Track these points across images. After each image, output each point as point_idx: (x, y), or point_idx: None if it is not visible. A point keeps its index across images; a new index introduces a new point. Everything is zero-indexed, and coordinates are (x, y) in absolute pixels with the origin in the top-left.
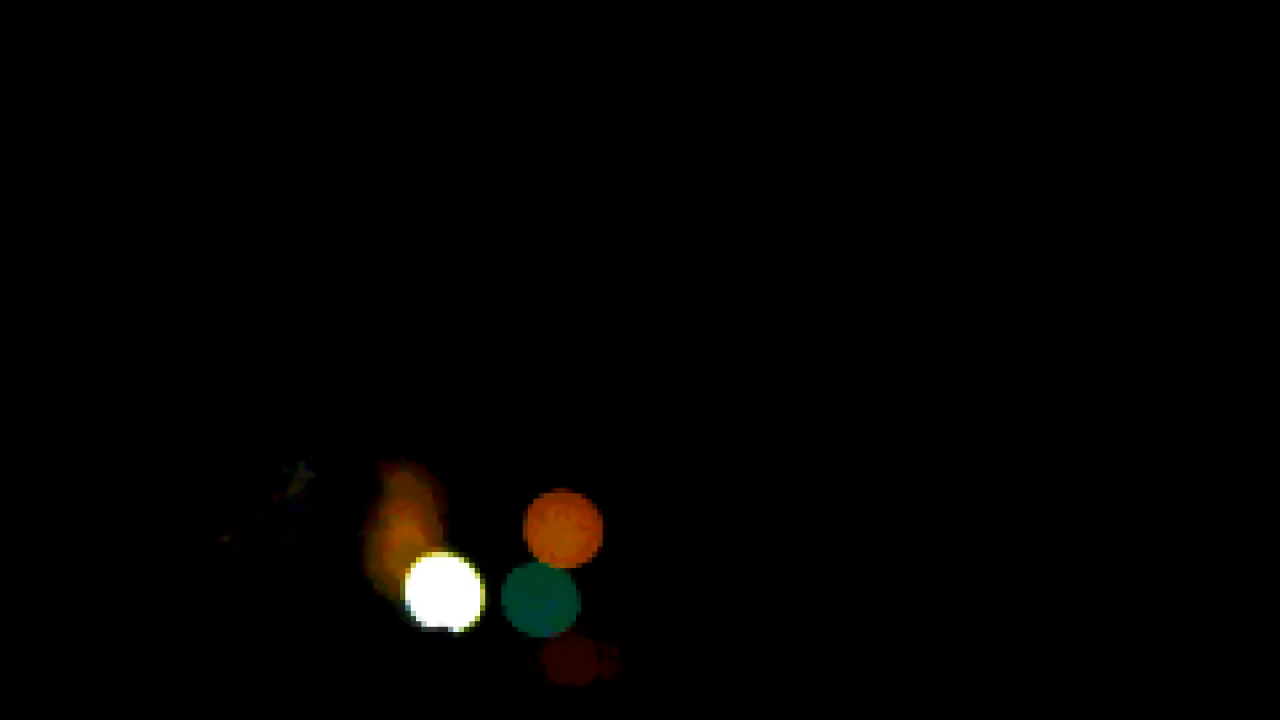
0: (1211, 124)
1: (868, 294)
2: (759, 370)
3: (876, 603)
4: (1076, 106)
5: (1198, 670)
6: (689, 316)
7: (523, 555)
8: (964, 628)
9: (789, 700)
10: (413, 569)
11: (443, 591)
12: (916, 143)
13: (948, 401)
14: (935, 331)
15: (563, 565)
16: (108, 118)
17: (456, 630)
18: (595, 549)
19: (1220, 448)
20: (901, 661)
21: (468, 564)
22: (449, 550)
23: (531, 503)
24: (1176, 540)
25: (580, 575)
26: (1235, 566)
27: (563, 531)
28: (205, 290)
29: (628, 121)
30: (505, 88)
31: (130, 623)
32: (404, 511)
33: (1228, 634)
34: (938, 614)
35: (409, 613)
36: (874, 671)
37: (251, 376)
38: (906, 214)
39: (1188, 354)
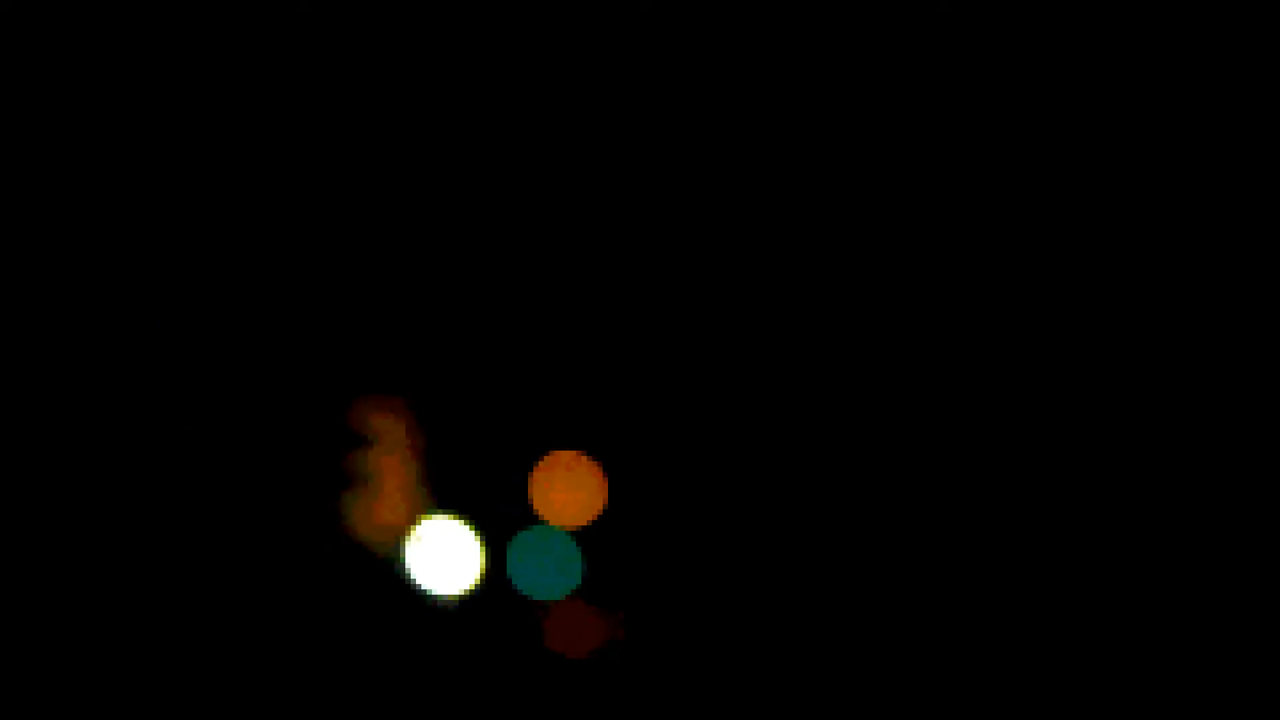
0: (1212, 124)
1: (869, 267)
2: (767, 331)
3: (887, 567)
4: (1077, 106)
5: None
6: (697, 276)
7: (525, 516)
8: (968, 613)
9: (793, 663)
10: (412, 531)
11: (443, 554)
12: (916, 143)
13: (950, 379)
14: (938, 309)
15: (567, 526)
16: (101, 116)
17: (457, 594)
18: (599, 510)
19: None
20: (906, 625)
21: (469, 525)
22: (450, 512)
23: (535, 463)
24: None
25: (584, 538)
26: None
27: (567, 492)
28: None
29: (629, 98)
30: (494, 66)
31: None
32: (403, 471)
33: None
34: (943, 584)
35: (408, 576)
36: (881, 639)
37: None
38: (907, 205)
39: (1189, 354)
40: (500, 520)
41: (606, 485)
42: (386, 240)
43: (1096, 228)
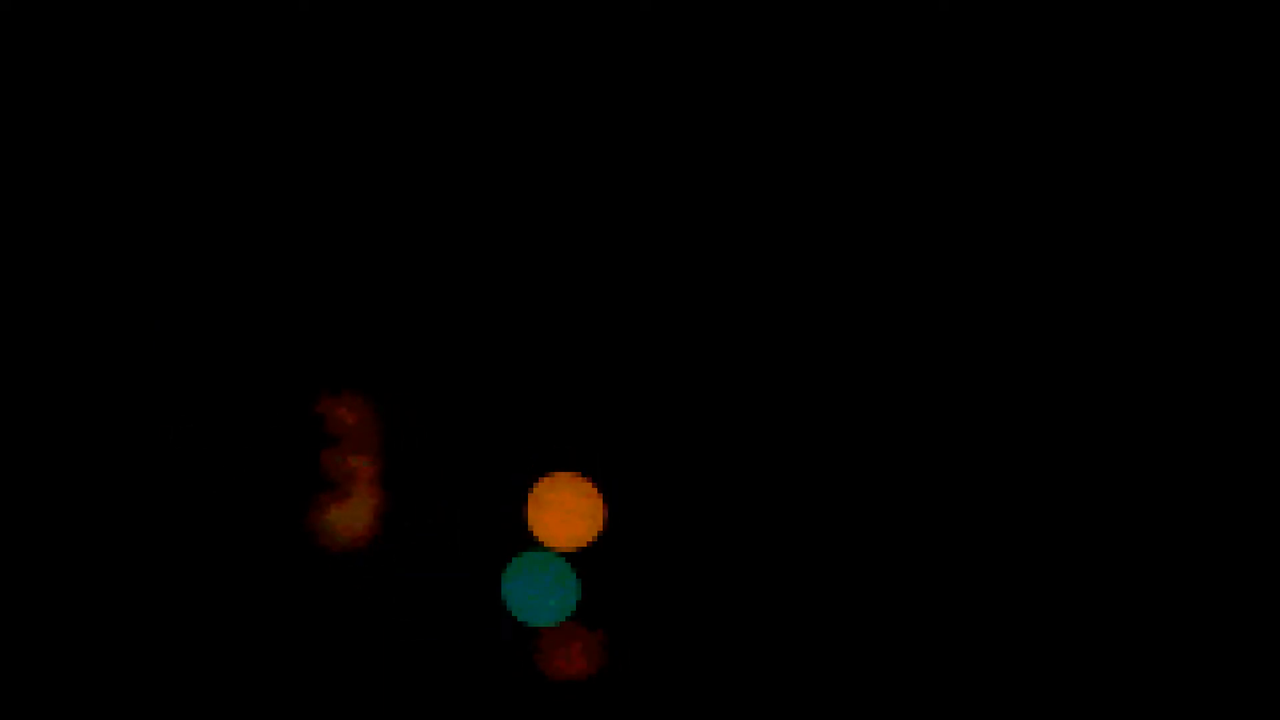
0: (1212, 124)
1: (874, 279)
2: (768, 349)
3: (887, 593)
4: (1077, 107)
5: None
6: (698, 293)
7: (521, 539)
8: (973, 625)
9: (793, 689)
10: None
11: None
12: (916, 143)
13: (953, 394)
14: (940, 325)
15: (563, 549)
16: (99, 115)
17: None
18: (597, 533)
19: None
20: (907, 651)
21: (463, 548)
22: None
23: (532, 484)
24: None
25: (581, 561)
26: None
27: (564, 514)
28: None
29: (634, 101)
30: (493, 64)
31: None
32: (381, 488)
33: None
34: (945, 606)
35: (399, 600)
36: (882, 664)
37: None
38: (909, 206)
39: (1189, 356)
40: (495, 543)
41: (605, 508)
42: (379, 257)
43: (1097, 229)
